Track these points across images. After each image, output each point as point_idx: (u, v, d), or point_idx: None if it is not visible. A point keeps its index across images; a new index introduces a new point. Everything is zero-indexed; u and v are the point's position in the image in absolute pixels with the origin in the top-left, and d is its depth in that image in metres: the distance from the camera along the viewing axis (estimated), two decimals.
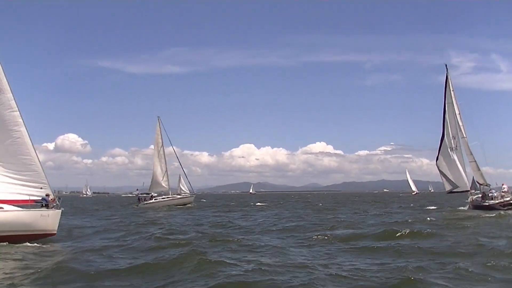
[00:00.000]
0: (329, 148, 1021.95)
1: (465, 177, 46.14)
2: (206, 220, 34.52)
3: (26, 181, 22.04)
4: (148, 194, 63.66)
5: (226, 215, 41.67)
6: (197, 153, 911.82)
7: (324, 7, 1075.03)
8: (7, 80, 21.55)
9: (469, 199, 44.83)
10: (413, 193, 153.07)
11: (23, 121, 21.94)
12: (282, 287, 11.30)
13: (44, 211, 21.50)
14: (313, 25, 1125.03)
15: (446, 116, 47.45)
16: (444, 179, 47.69)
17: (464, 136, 46.35)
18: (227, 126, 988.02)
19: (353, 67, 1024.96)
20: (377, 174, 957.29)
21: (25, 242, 19.98)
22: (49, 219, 21.48)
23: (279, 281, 11.74)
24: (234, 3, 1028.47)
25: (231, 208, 58.30)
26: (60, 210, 22.35)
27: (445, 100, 47.93)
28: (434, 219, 31.27)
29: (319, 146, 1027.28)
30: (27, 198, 21.77)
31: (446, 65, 49.16)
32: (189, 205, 62.70)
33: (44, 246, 19.81)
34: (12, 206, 20.81)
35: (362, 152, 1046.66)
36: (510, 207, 40.00)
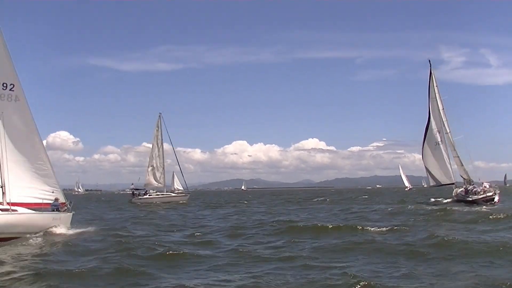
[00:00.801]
0: (322, 145, 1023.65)
1: (450, 170, 47.17)
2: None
3: (39, 185, 23.01)
4: (143, 189, 63.97)
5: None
6: (189, 150, 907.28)
7: (315, 3, 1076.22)
8: (21, 88, 22.69)
9: (453, 192, 45.96)
10: (406, 189, 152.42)
11: (36, 127, 23.12)
12: None
13: (56, 214, 22.41)
14: (304, 21, 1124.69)
15: (430, 111, 48.69)
16: (428, 174, 49.02)
17: (448, 131, 47.54)
18: (220, 123, 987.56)
19: (344, 63, 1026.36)
20: (370, 170, 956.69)
21: None
22: (61, 222, 22.46)
23: None
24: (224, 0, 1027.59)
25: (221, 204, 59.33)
26: (71, 214, 23.39)
27: (429, 96, 49.15)
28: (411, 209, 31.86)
29: (312, 143, 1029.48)
30: (40, 201, 22.58)
31: (429, 61, 50.37)
32: (182, 202, 62.50)
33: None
34: (26, 209, 21.45)
35: (355, 148, 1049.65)
36: (492, 202, 41.01)
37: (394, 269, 13.17)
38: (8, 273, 12.88)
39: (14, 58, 22.49)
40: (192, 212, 41.76)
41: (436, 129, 47.98)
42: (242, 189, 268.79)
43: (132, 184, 68.01)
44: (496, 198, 41.76)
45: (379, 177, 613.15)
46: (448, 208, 37.18)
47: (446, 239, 18.01)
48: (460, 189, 45.14)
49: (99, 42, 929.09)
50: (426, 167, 48.83)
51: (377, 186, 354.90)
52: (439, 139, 47.71)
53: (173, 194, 65.76)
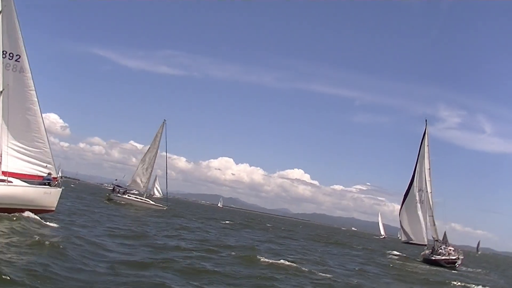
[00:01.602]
0: (306, 177, 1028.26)
1: (423, 231, 47.53)
2: None
3: (34, 158, 23.26)
4: (124, 188, 63.70)
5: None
6: (175, 156, 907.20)
7: (326, 37, 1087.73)
8: (28, 60, 22.80)
9: (422, 252, 46.44)
10: (381, 237, 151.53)
11: (38, 101, 23.22)
12: None
13: (47, 189, 22.71)
14: (312, 53, 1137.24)
15: (417, 169, 49.46)
16: (401, 229, 49.66)
17: (429, 191, 48.30)
18: (210, 136, 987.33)
19: (343, 102, 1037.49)
20: (348, 211, 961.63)
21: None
22: (51, 197, 22.83)
23: None
24: (235, 17, 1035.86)
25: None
26: (61, 189, 23.68)
27: (419, 153, 49.99)
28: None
29: (297, 173, 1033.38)
30: (34, 173, 22.96)
31: (426, 120, 51.08)
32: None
33: None
34: (20, 181, 21.87)
35: (338, 187, 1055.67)
36: (452, 265, 41.38)
37: None
38: None
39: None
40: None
41: (418, 188, 48.58)
42: (219, 206, 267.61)
43: (116, 180, 67.62)
44: (458, 263, 42.25)
45: (356, 220, 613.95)
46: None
47: None
48: (428, 250, 45.60)
49: (106, 34, 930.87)
50: (400, 221, 49.50)
51: (353, 228, 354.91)
52: (420, 198, 48.28)
53: (151, 202, 64.35)
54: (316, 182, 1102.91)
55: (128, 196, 61.95)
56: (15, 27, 22.39)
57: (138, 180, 65.72)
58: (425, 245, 46.93)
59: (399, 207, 50.81)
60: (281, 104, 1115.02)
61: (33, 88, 23.11)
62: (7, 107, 21.87)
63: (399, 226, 50.84)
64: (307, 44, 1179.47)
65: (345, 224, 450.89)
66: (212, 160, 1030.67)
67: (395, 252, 51.67)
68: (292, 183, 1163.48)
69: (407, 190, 49.50)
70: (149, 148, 67.63)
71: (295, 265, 20.76)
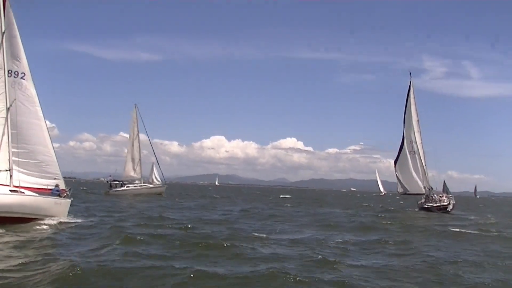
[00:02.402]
0: (300, 144, 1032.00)
1: (418, 181, 48.93)
2: None
3: (43, 171, 24.18)
4: (120, 181, 63.90)
5: None
6: (167, 142, 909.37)
7: (303, 3, 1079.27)
8: (31, 77, 23.88)
9: (418, 201, 47.95)
10: (381, 194, 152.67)
11: (43, 116, 24.30)
12: None
13: (57, 200, 23.61)
14: (289, 19, 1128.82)
15: (406, 122, 50.44)
16: (398, 181, 50.94)
17: (420, 141, 49.40)
18: (199, 117, 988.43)
19: (327, 65, 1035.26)
20: (345, 173, 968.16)
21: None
22: (61, 207, 23.67)
23: None
24: None
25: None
26: (70, 200, 24.58)
27: (406, 106, 50.94)
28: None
29: (290, 142, 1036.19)
30: (43, 186, 23.82)
31: (410, 73, 52.93)
32: (160, 195, 62.62)
33: None
34: (32, 192, 22.73)
35: (332, 150, 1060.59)
36: (444, 210, 43.84)
37: None
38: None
39: None
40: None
41: (409, 140, 49.60)
42: (216, 184, 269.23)
43: (110, 176, 67.83)
44: (450, 208, 44.44)
45: (354, 180, 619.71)
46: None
47: None
48: (422, 200, 47.25)
49: (79, 28, 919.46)
50: (396, 174, 50.73)
51: (352, 189, 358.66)
52: (411, 149, 49.36)
53: (151, 186, 65.83)
54: (310, 148, 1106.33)
55: (127, 187, 62.21)
56: (19, 46, 23.39)
57: (130, 170, 66.02)
58: (422, 194, 48.35)
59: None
60: (266, 75, 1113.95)
61: (39, 104, 24.10)
62: (15, 124, 22.88)
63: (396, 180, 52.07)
64: (285, 11, 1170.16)
65: (344, 186, 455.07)
66: (204, 140, 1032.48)
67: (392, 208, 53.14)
68: (287, 152, 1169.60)
69: (401, 143, 50.72)
70: (130, 135, 67.88)
71: None
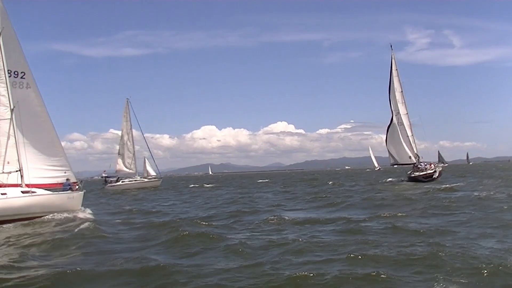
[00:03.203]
0: (291, 128, 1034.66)
1: (407, 151, 49.70)
2: None
3: (52, 167, 24.69)
4: (115, 177, 63.64)
5: None
6: (157, 135, 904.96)
7: None
8: (32, 75, 24.28)
9: (408, 171, 48.98)
10: (376, 169, 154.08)
11: (47, 112, 24.75)
12: None
13: (70, 194, 24.14)
14: (272, 4, 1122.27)
15: (391, 95, 51.16)
16: (388, 153, 51.83)
17: (406, 112, 50.28)
18: (187, 108, 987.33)
19: (311, 46, 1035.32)
20: (338, 152, 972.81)
21: None
22: (74, 200, 24.17)
23: None
24: None
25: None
26: (83, 192, 25.10)
27: (390, 79, 51.59)
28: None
29: (281, 126, 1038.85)
30: (54, 181, 24.43)
31: (391, 46, 53.16)
32: (154, 188, 62.03)
33: None
34: (43, 190, 23.24)
35: (323, 131, 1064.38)
36: (430, 179, 44.91)
37: None
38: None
39: None
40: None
41: (395, 112, 50.32)
42: (210, 174, 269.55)
43: (105, 171, 67.26)
44: (435, 176, 45.60)
45: (348, 158, 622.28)
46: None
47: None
48: (411, 170, 48.44)
49: (62, 28, 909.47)
50: (387, 147, 51.58)
51: (346, 167, 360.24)
52: (398, 121, 50.11)
53: (146, 180, 65.73)
54: (301, 131, 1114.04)
55: (122, 182, 62.09)
56: (16, 45, 23.71)
57: (123, 166, 65.71)
58: (412, 164, 49.20)
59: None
60: (252, 61, 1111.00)
61: (41, 101, 24.62)
62: (20, 123, 23.24)
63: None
64: None
65: (338, 165, 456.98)
66: (195, 131, 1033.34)
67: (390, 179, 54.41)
68: (278, 137, 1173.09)
69: (392, 117, 51.28)
70: (122, 130, 67.29)
71: None
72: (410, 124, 50.18)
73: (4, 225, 20.05)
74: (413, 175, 46.72)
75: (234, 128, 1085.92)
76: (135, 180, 63.93)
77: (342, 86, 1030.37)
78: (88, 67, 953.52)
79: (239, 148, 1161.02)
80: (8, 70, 23.25)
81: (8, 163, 23.08)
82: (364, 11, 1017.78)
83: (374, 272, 9.59)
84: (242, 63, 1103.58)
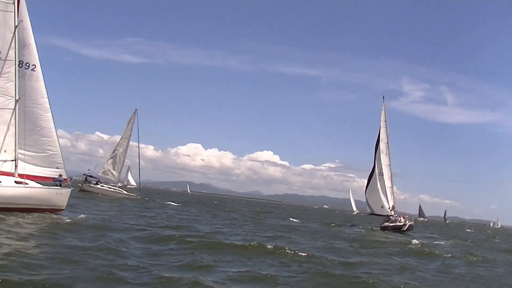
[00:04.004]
0: (276, 158, 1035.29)
1: (385, 202, 50.45)
2: None
3: (47, 161, 25.30)
4: (96, 178, 62.65)
5: None
6: (142, 145, 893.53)
7: (287, 19, 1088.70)
8: (41, 69, 24.98)
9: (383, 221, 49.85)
10: (354, 213, 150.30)
11: (50, 107, 25.35)
12: None
13: (58, 190, 24.65)
14: (275, 34, 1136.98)
15: (377, 144, 51.94)
16: (366, 201, 52.59)
17: (388, 163, 51.28)
18: (177, 123, 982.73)
19: (308, 81, 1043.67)
20: (319, 189, 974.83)
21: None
22: (62, 197, 24.72)
23: None
24: (196, 1, 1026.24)
25: None
26: (70, 190, 25.56)
27: (379, 129, 52.49)
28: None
29: (266, 155, 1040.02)
30: (46, 175, 25.04)
31: (383, 97, 54.62)
32: (134, 199, 60.87)
33: None
34: (35, 183, 23.87)
35: (307, 166, 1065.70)
36: (398, 230, 46.11)
37: None
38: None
39: None
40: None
41: (378, 161, 51.14)
42: (188, 192, 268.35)
43: (89, 170, 65.91)
44: (404, 228, 46.74)
45: (328, 197, 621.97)
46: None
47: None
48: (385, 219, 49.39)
49: (65, 24, 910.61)
50: (365, 196, 52.40)
51: (324, 206, 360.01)
52: (379, 171, 50.95)
53: (124, 192, 64.65)
54: (286, 163, 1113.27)
55: (101, 186, 61.52)
56: (30, 38, 24.55)
57: (111, 171, 65.61)
58: (387, 215, 49.73)
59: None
60: (247, 87, 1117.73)
61: (46, 95, 25.21)
62: (23, 115, 23.92)
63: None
64: (270, 26, 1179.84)
65: (317, 202, 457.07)
66: (180, 147, 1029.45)
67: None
68: (262, 165, 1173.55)
69: (373, 167, 52.02)
70: (121, 137, 67.15)
71: None
72: (391, 175, 51.23)
73: None
74: (383, 225, 47.99)
75: (219, 150, 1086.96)
76: (114, 188, 63.18)
77: (333, 125, 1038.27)
78: (84, 67, 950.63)
79: (222, 170, 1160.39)
80: (20, 61, 23.93)
81: (5, 151, 23.60)
82: (364, 55, 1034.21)
83: None
84: (237, 87, 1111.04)
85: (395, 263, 20.03)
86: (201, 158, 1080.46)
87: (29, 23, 24.45)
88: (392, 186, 50.96)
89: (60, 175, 25.48)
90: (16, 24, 23.71)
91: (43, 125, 25.06)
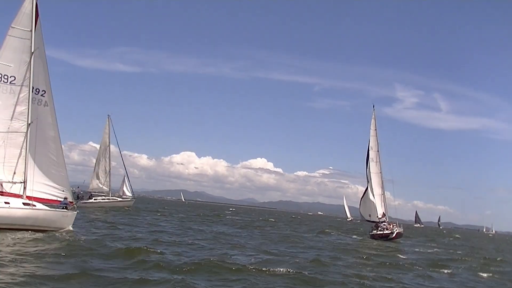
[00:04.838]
0: (270, 165, 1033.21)
1: (374, 209, 50.43)
2: None
3: (54, 184, 25.76)
4: (88, 193, 62.85)
5: None
6: (136, 154, 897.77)
7: (281, 26, 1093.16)
8: (51, 94, 25.64)
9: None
10: (348, 219, 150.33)
11: (59, 132, 26.03)
12: None
13: (65, 212, 25.23)
14: (268, 42, 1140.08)
15: (369, 152, 52.35)
16: (360, 209, 52.96)
17: (379, 171, 51.65)
18: (170, 131, 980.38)
19: (302, 88, 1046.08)
20: (313, 196, 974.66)
21: None
22: (67, 219, 25.28)
23: None
24: (189, 9, 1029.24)
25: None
26: (76, 212, 26.18)
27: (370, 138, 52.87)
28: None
29: (260, 162, 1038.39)
30: (53, 198, 25.56)
31: (373, 106, 54.54)
32: (127, 208, 62.08)
33: None
34: (42, 205, 24.36)
35: (301, 173, 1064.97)
36: (385, 238, 46.24)
37: None
38: None
39: None
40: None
41: (371, 169, 51.41)
42: (182, 201, 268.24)
43: (78, 187, 66.10)
44: (391, 236, 46.79)
45: (322, 204, 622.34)
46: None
47: None
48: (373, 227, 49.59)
49: (56, 34, 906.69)
50: (360, 202, 52.80)
51: (319, 212, 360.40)
52: (371, 178, 51.27)
53: (119, 199, 65.51)
54: (279, 170, 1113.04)
55: (94, 199, 61.50)
56: (45, 65, 25.34)
57: (98, 182, 65.45)
58: (376, 222, 49.65)
59: (363, 189, 53.73)
60: (241, 94, 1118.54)
61: (55, 119, 25.88)
62: (34, 138, 24.63)
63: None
64: (263, 33, 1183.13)
65: (311, 209, 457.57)
66: (174, 155, 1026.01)
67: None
68: (256, 173, 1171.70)
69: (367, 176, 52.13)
70: (100, 146, 67.23)
71: None
72: (382, 183, 51.51)
73: None
74: (371, 233, 48.21)
75: (213, 158, 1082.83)
76: (108, 199, 63.54)
77: (326, 132, 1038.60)
78: (78, 77, 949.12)
79: (216, 178, 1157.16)
80: (34, 88, 24.74)
81: (15, 173, 24.31)
82: (358, 62, 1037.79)
83: None
84: (231, 95, 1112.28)
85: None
86: (194, 166, 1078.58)
87: (44, 51, 25.21)
88: (383, 194, 51.17)
89: (65, 198, 25.98)
90: (32, 51, 24.49)
91: (52, 148, 25.72)
